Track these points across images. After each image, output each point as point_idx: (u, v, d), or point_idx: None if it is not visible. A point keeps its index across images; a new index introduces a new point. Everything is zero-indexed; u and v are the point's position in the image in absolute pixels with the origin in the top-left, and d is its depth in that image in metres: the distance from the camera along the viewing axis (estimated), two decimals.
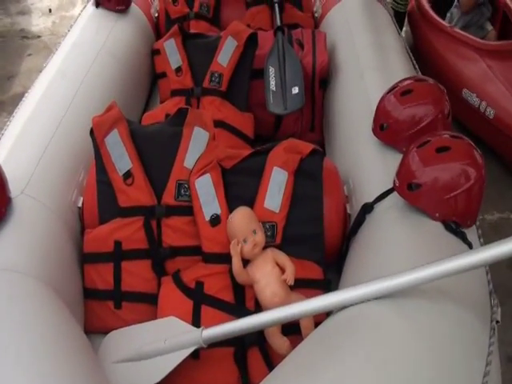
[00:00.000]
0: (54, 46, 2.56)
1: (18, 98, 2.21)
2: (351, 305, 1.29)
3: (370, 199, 1.73)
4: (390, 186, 1.65)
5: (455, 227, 1.49)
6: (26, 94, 2.22)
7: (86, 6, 2.85)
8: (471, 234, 1.54)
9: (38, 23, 4.41)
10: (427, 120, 1.76)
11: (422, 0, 3.73)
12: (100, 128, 1.81)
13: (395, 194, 1.62)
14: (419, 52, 3.65)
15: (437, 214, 1.50)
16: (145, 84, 2.83)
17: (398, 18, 3.91)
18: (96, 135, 1.82)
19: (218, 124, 2.22)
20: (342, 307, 1.31)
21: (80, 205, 1.88)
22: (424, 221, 1.52)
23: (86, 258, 1.79)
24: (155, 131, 1.87)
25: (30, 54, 4.02)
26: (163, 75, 2.56)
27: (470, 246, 1.47)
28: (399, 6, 4.01)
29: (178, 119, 1.85)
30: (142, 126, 1.93)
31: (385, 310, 1.24)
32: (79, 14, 2.79)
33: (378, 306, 1.25)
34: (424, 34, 3.59)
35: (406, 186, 1.55)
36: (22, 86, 3.49)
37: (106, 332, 1.75)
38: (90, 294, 1.79)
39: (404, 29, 4.19)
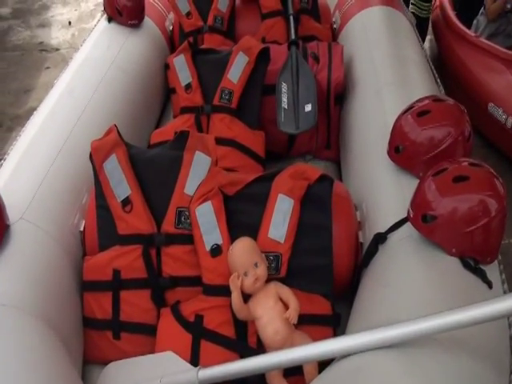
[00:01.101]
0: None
1: (33, 112, 2.17)
2: (358, 352, 1.18)
3: (384, 227, 1.62)
4: (405, 213, 1.53)
5: (474, 264, 1.36)
6: (35, 112, 2.17)
7: (99, 21, 2.80)
8: (492, 269, 1.41)
9: (57, 36, 4.39)
10: (446, 143, 1.63)
11: (447, 7, 3.59)
12: (98, 153, 1.74)
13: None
14: (444, 62, 3.52)
15: (453, 250, 1.38)
16: (158, 99, 2.77)
17: (421, 24, 3.79)
18: (94, 160, 1.75)
19: (228, 143, 2.15)
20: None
21: (82, 229, 1.81)
22: (440, 256, 1.40)
23: (85, 286, 1.72)
24: (155, 156, 1.79)
25: (47, 67, 4.00)
26: (175, 91, 2.48)
27: (490, 285, 1.34)
28: (422, 12, 3.87)
29: (179, 143, 1.76)
30: (141, 151, 1.85)
31: (393, 360, 1.12)
32: (92, 30, 2.74)
33: (385, 355, 1.14)
34: (448, 43, 3.45)
35: (421, 218, 1.43)
36: (38, 100, 3.42)
37: (105, 363, 1.68)
38: (89, 323, 1.72)
39: (429, 37, 4.06)
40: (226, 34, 2.82)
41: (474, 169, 1.42)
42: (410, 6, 3.96)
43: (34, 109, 2.22)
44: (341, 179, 2.33)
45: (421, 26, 3.71)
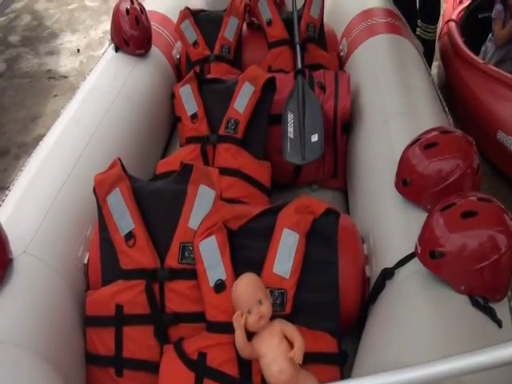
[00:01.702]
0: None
1: (41, 140, 2.18)
2: None
3: (391, 261, 1.60)
4: (413, 248, 1.51)
5: (483, 303, 1.33)
6: (40, 142, 2.18)
7: (106, 50, 2.83)
8: (502, 307, 1.38)
9: (65, 63, 4.43)
10: (454, 176, 1.61)
11: (455, 34, 3.58)
12: (102, 187, 1.75)
13: None
14: (452, 89, 3.52)
15: (462, 287, 1.35)
16: (164, 128, 2.78)
17: (427, 47, 3.79)
18: (98, 194, 1.75)
19: (234, 173, 2.15)
20: None
21: (86, 261, 1.81)
22: (449, 293, 1.38)
23: (87, 322, 1.71)
24: (159, 189, 1.80)
25: (55, 95, 4.03)
26: (181, 119, 2.49)
27: (500, 325, 1.31)
28: (427, 34, 3.88)
29: (183, 176, 1.76)
30: (145, 184, 1.86)
31: None
32: (99, 59, 2.77)
33: None
34: (456, 70, 3.44)
35: (429, 254, 1.41)
36: (46, 128, 3.43)
37: None
38: (92, 359, 1.71)
39: (436, 63, 4.06)
40: (233, 62, 2.83)
41: (482, 204, 1.40)
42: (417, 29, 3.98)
43: (42, 137, 2.23)
44: (348, 209, 2.32)
45: (427, 49, 3.72)
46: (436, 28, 3.85)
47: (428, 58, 3.65)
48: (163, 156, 2.67)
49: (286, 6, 3.36)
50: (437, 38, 3.92)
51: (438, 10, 3.89)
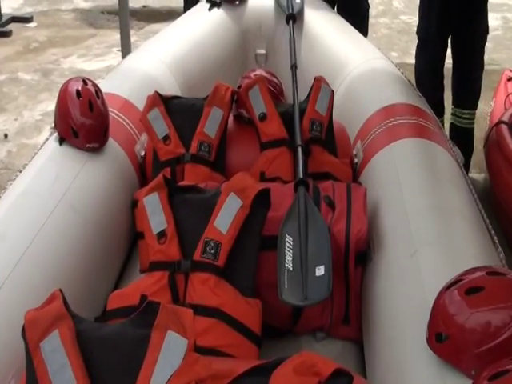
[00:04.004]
0: (6, 184, 2.65)
1: None
2: None
3: None
4: None
5: None
6: None
7: (46, 140, 2.91)
8: None
9: None
10: (508, 332, 1.65)
11: (507, 140, 3.72)
12: (35, 328, 1.77)
13: None
14: (504, 212, 3.61)
15: None
16: (121, 247, 2.84)
17: (465, 137, 3.97)
18: (28, 337, 1.76)
19: (212, 313, 2.18)
20: None
21: None
22: None
23: None
24: (112, 334, 1.81)
25: None
26: (143, 236, 2.54)
27: None
28: (463, 121, 4.06)
29: (146, 317, 1.79)
30: (94, 326, 1.87)
31: None
32: (36, 151, 2.85)
33: None
34: (510, 184, 3.57)
35: None
36: None
37: None
38: None
39: (483, 176, 4.22)
40: (214, 165, 2.94)
41: None
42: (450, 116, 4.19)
43: None
44: (364, 367, 2.34)
45: (463, 141, 3.89)
46: (474, 113, 4.02)
47: (465, 153, 3.77)
48: (117, 285, 2.71)
49: (285, 98, 3.53)
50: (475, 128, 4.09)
51: (477, 90, 4.12)
